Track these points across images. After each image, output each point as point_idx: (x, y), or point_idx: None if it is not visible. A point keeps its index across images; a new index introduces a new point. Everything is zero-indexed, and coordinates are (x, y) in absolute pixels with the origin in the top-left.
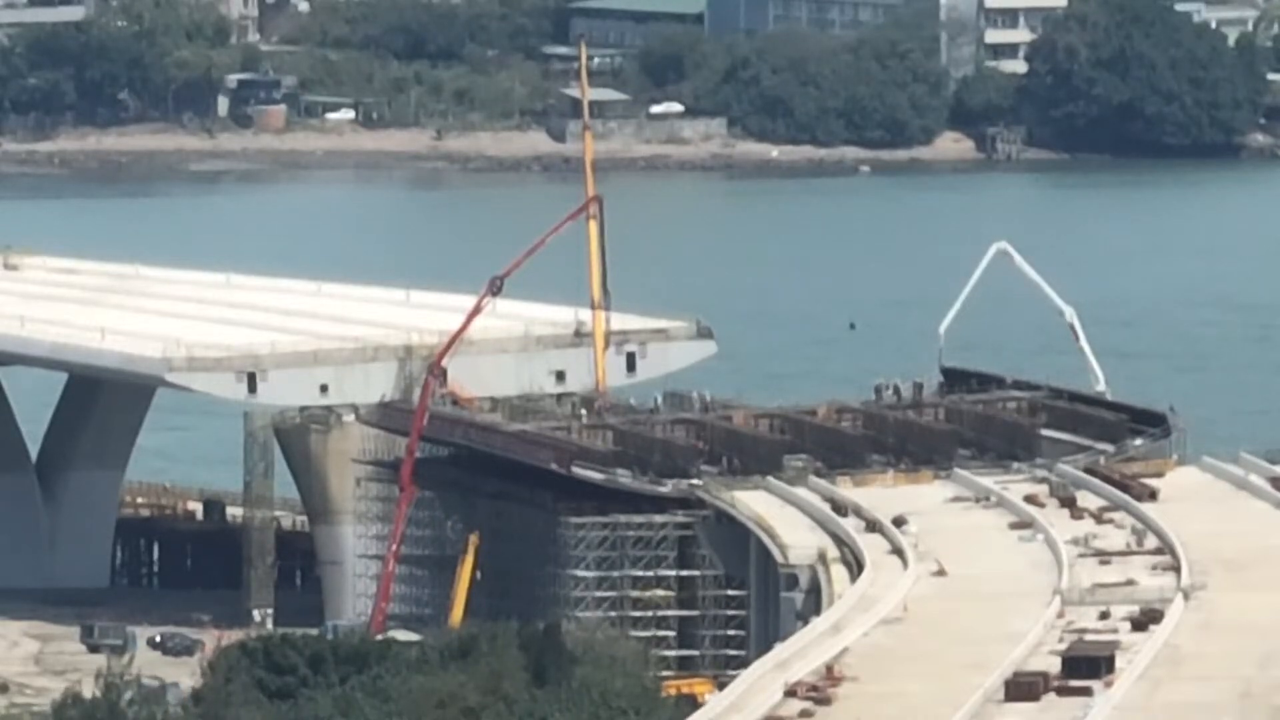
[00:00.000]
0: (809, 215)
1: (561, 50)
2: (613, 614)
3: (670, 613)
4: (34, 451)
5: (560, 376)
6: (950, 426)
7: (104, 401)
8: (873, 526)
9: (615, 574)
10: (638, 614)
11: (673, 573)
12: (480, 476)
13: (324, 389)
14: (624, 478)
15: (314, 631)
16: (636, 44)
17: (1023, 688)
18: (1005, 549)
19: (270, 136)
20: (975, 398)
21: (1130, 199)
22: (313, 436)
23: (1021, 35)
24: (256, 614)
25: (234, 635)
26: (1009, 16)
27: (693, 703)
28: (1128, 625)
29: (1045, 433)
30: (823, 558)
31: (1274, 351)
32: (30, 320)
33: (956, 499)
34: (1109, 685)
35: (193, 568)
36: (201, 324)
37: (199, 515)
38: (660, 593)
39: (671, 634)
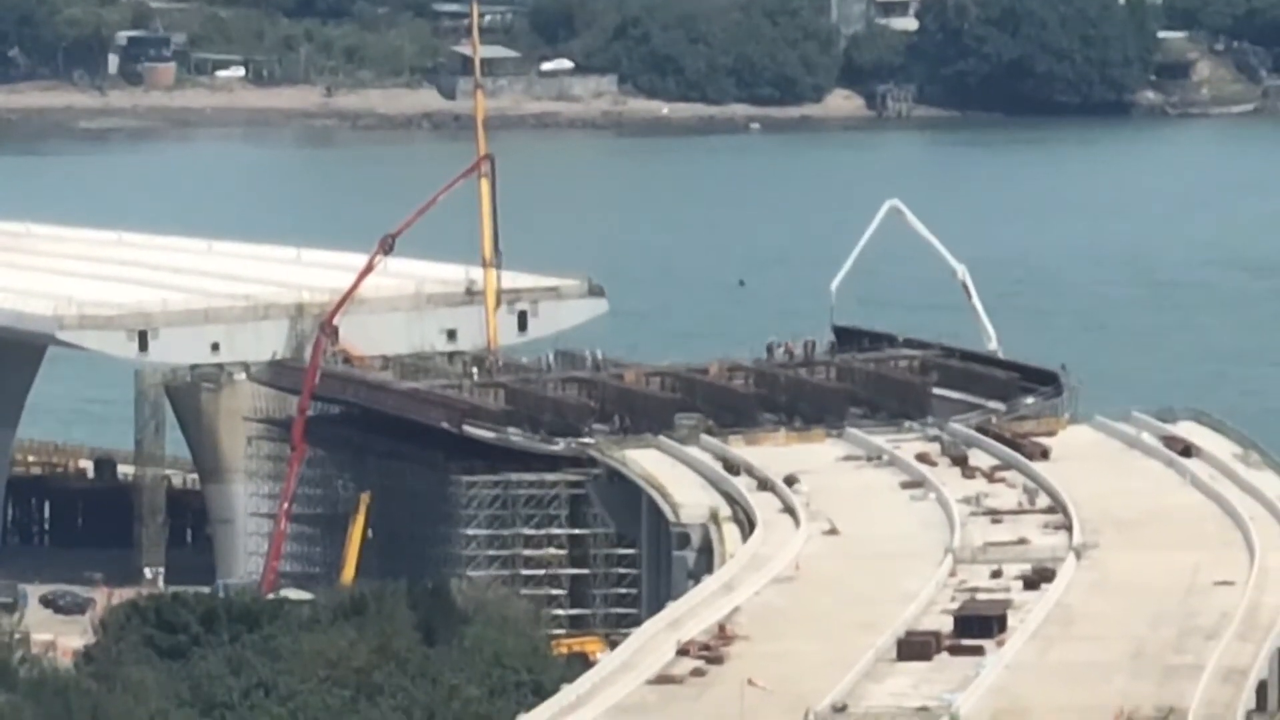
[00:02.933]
0: (700, 173)
1: (452, 7)
2: (504, 573)
3: (562, 571)
4: None
5: (452, 335)
6: (842, 385)
7: None
8: (764, 485)
9: (507, 533)
10: (529, 573)
11: (564, 531)
12: (372, 435)
13: (215, 347)
14: (515, 436)
15: (205, 590)
16: (527, 2)
17: (915, 647)
18: (897, 508)
19: (160, 94)
20: (867, 356)
21: (1021, 157)
22: (204, 395)
23: None
24: (148, 572)
25: (125, 594)
26: None
27: (584, 661)
28: (1020, 584)
29: (937, 391)
30: (714, 517)
31: (1165, 310)
32: None
33: (848, 458)
34: (1001, 644)
35: (84, 526)
36: (92, 282)
37: (90, 473)
38: (552, 551)
39: (563, 593)
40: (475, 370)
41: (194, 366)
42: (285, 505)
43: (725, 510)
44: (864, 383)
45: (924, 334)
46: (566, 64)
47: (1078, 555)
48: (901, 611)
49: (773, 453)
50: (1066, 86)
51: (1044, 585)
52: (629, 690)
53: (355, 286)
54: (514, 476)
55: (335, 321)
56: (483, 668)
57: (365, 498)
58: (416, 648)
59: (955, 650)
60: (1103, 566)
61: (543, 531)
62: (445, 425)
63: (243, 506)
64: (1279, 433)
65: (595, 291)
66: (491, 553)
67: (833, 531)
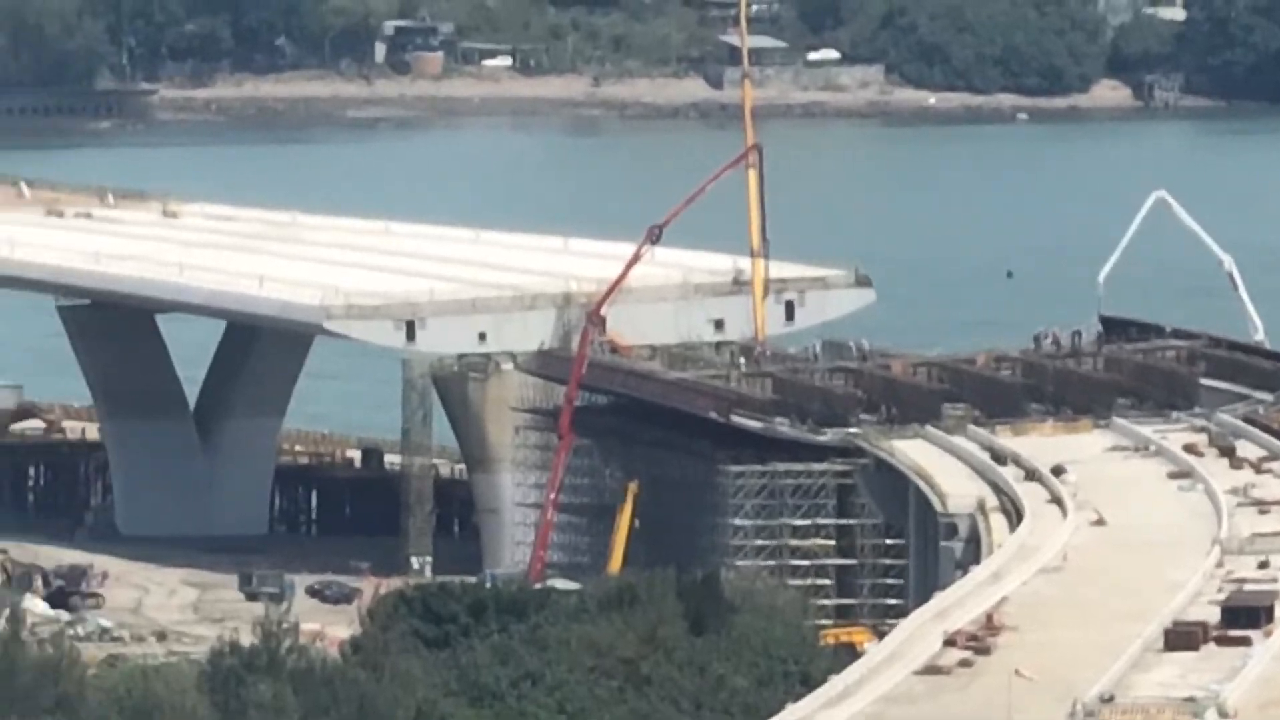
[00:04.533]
0: (966, 163)
1: None
2: (771, 563)
3: (829, 561)
4: (192, 399)
5: (719, 325)
6: (1109, 375)
7: (262, 349)
8: (1031, 475)
9: (774, 522)
10: (796, 563)
11: (831, 521)
12: (639, 425)
13: (482, 337)
14: (783, 426)
15: (472, 580)
16: None
17: (1182, 637)
18: (1164, 498)
19: (427, 83)
20: (1134, 346)
21: None
22: (471, 384)
23: None
24: (415, 562)
25: (392, 583)
26: None
27: (852, 652)
28: None
29: (1204, 382)
30: (982, 507)
31: None
32: (188, 268)
33: (1115, 448)
34: (1269, 635)
35: (351, 515)
36: (360, 271)
37: (357, 463)
38: (819, 541)
39: (830, 583)
40: (743, 360)
41: (461, 356)
42: (552, 495)
43: (992, 500)
44: (1131, 373)
45: (1191, 324)
46: (833, 54)
47: None
48: (1168, 602)
49: (1040, 443)
50: None
51: None
52: (896, 681)
53: (623, 276)
54: (781, 466)
55: (603, 311)
56: (750, 658)
57: (632, 487)
58: (684, 638)
59: (1222, 641)
60: None
61: (810, 521)
62: (713, 415)
63: (510, 496)
64: None
65: (862, 281)
66: (759, 543)
67: (1100, 522)
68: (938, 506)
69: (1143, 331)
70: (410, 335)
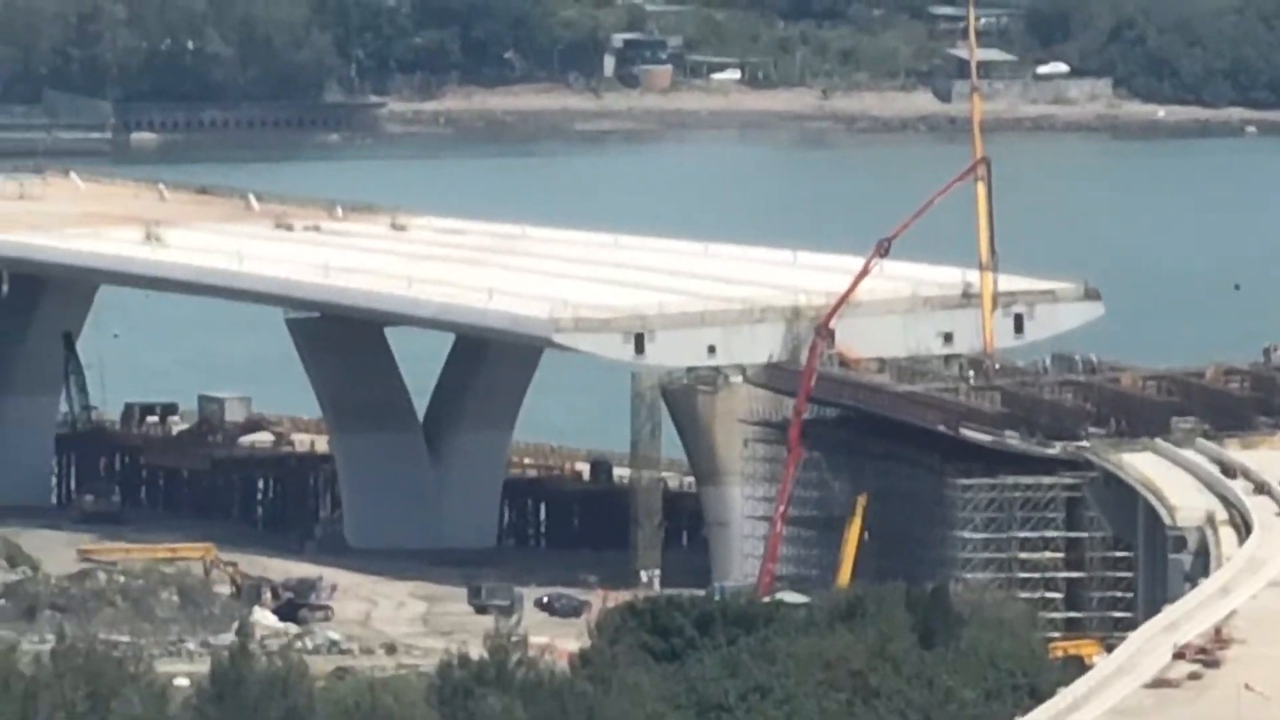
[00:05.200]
0: (1195, 176)
1: (948, 10)
2: (1000, 575)
3: (1058, 574)
4: (421, 412)
5: (948, 338)
6: None
7: (491, 362)
8: (1261, 489)
9: (1002, 535)
10: (1025, 575)
11: (1060, 534)
12: (868, 438)
13: (711, 350)
14: (1012, 439)
15: (701, 593)
16: (1022, 4)
17: None
18: None
19: (656, 96)
20: None
21: None
22: (700, 397)
23: None
24: (644, 575)
25: (621, 596)
26: None
27: (1080, 665)
28: None
29: None
30: (1211, 520)
31: None
32: (417, 281)
33: None
34: None
35: (580, 528)
36: (588, 284)
37: (586, 476)
38: (1048, 554)
39: (1059, 595)
40: (971, 373)
41: (690, 369)
42: (781, 508)
43: (1221, 514)
44: None
45: None
46: (1062, 67)
47: None
48: None
49: (1269, 456)
50: None
51: None
52: (1125, 694)
53: (851, 289)
54: (1010, 479)
55: (831, 324)
56: (979, 670)
57: (861, 500)
58: (913, 650)
59: None
60: None
61: (1038, 534)
62: (941, 428)
63: (739, 509)
64: None
65: (1091, 294)
66: (987, 555)
67: None
68: (1166, 520)
69: None
70: (639, 348)
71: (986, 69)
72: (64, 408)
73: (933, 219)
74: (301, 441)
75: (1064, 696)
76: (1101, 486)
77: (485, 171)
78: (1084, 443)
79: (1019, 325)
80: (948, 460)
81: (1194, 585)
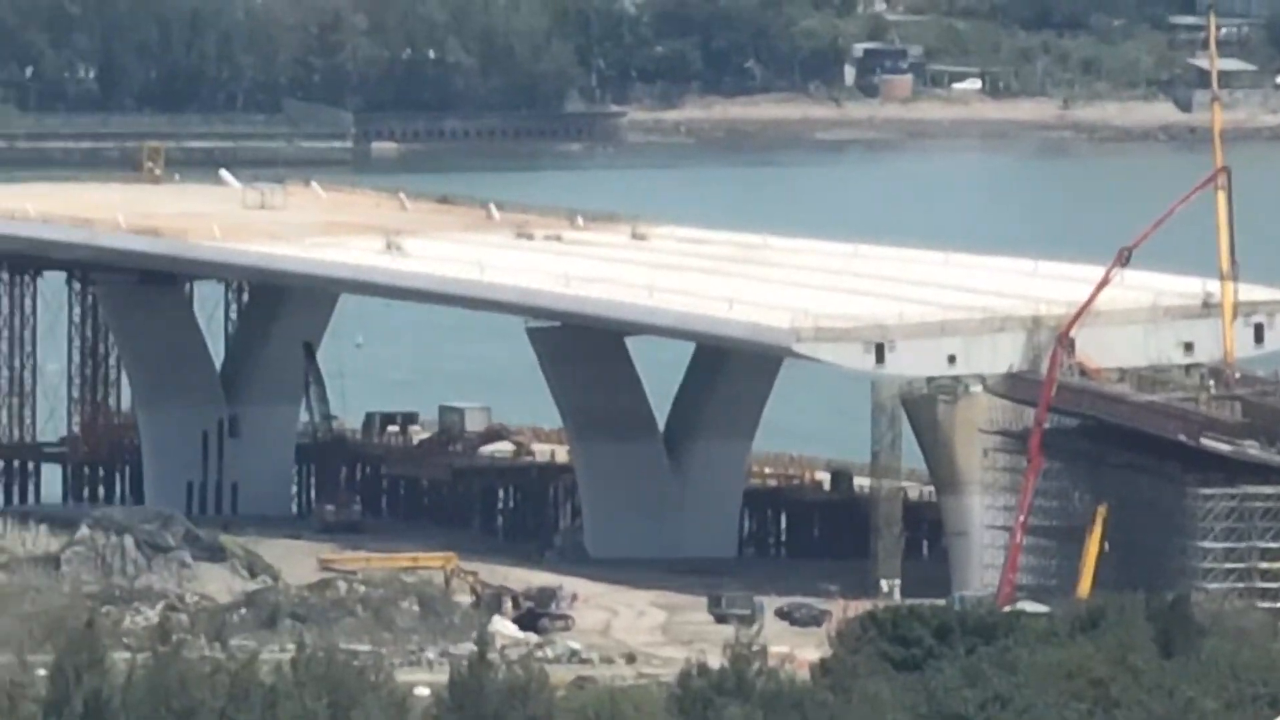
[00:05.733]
0: None
1: (1188, 20)
2: (1240, 585)
3: None
4: (662, 421)
5: (1188, 347)
6: None
7: (731, 371)
8: None
9: (1243, 545)
10: (1266, 585)
11: None
12: (1108, 447)
13: (952, 359)
14: (1252, 449)
15: (941, 602)
16: (1263, 13)
17: None
18: None
19: (897, 106)
20: None
21: None
22: (940, 407)
23: None
24: (884, 584)
25: (861, 606)
26: None
27: None
28: None
29: None
30: None
31: None
32: (658, 290)
33: None
34: None
35: (820, 538)
36: (829, 294)
37: (826, 486)
38: None
39: None
40: (1212, 383)
41: (930, 379)
42: (1021, 517)
43: None
44: None
45: None
46: None
47: None
48: None
49: None
50: None
51: None
52: None
53: (1092, 299)
54: (1250, 489)
55: (1072, 334)
56: (1219, 680)
57: (1101, 510)
58: (1153, 660)
59: None
60: None
61: (1279, 544)
62: (1182, 438)
63: (978, 519)
64: None
65: None
66: (1228, 565)
67: None
68: None
69: None
70: (879, 358)
71: (1226, 78)
72: (304, 417)
73: (1173, 228)
74: (542, 451)
75: None
76: None
77: (726, 181)
78: None
79: (1259, 335)
80: (1188, 470)
81: None
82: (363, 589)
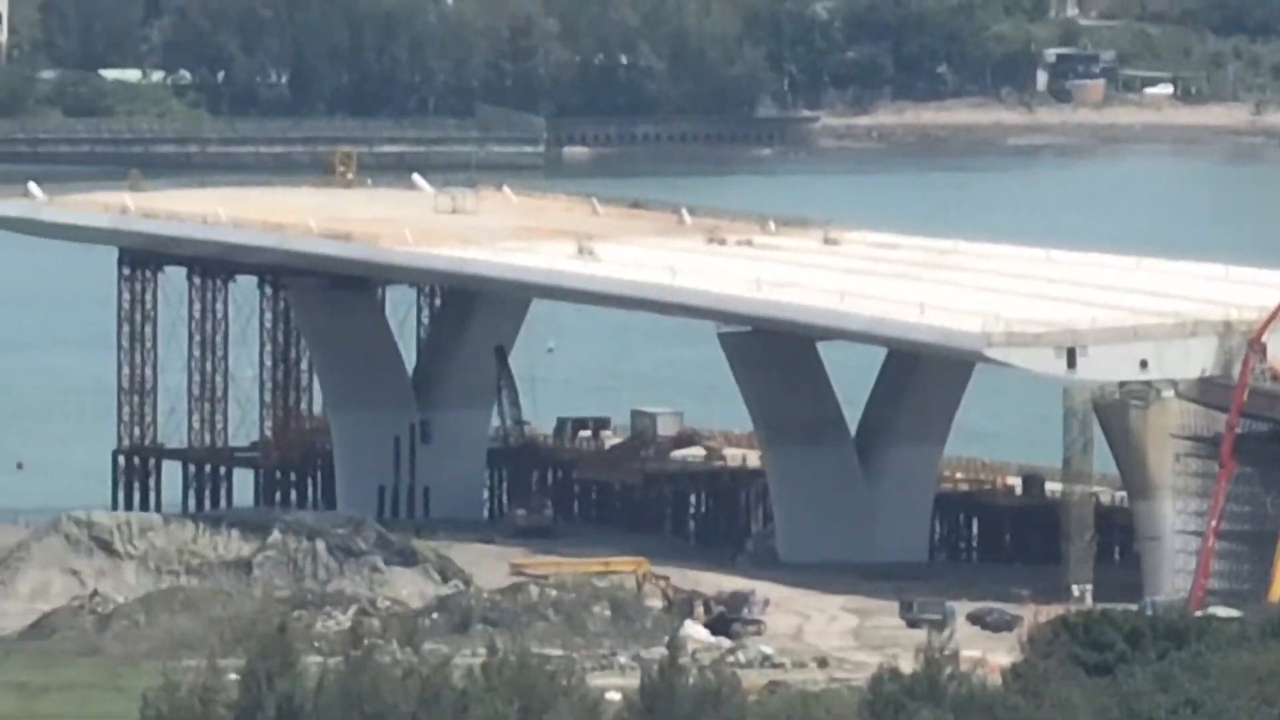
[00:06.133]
0: None
1: None
2: None
3: None
4: (853, 426)
5: None
6: None
7: (923, 376)
8: None
9: None
10: None
11: None
12: None
13: (1143, 364)
14: None
15: (1133, 607)
16: None
17: None
18: None
19: (1089, 111)
20: None
21: None
22: (1132, 412)
23: None
24: (1075, 589)
25: (1052, 610)
26: None
27: None
28: None
29: None
30: None
31: None
32: (849, 295)
33: None
34: None
35: (1011, 543)
36: (1020, 299)
37: (1018, 490)
38: None
39: None
40: None
41: (1122, 384)
42: (1213, 523)
43: None
44: None
45: None
46: None
47: None
48: None
49: None
50: None
51: None
52: None
53: None
54: None
55: (1264, 339)
56: None
57: None
58: None
59: None
60: None
61: None
62: None
63: (1170, 524)
64: None
65: None
66: None
67: None
68: None
69: None
70: (1071, 363)
71: None
72: (496, 422)
73: None
74: (733, 456)
75: None
76: None
77: (917, 186)
78: None
79: None
80: None
81: None
82: (554, 593)
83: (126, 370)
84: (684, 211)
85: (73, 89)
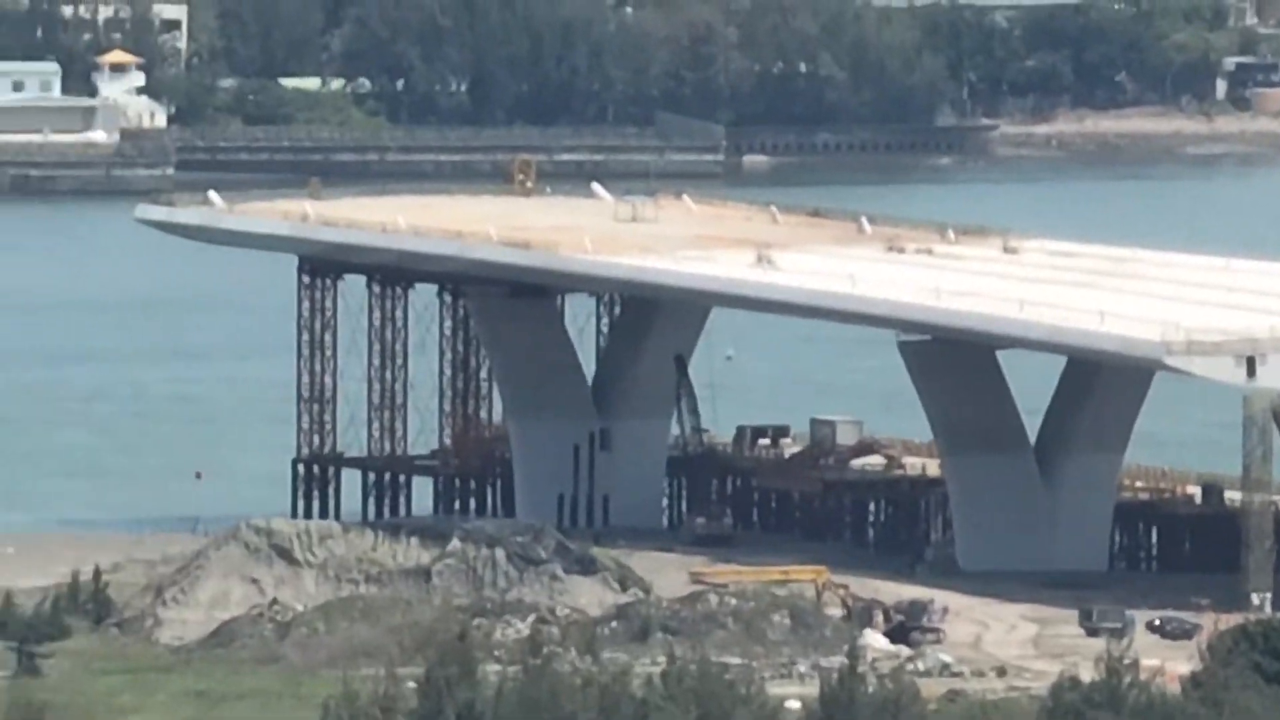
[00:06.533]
0: None
1: None
2: None
3: None
4: (1032, 434)
5: None
6: None
7: (1102, 384)
8: None
9: None
10: None
11: None
12: None
13: None
14: None
15: None
16: None
17: None
18: None
19: (1268, 119)
20: None
21: None
22: None
23: None
24: (1255, 598)
25: (1232, 619)
26: None
27: None
28: None
29: None
30: None
31: None
32: (1029, 303)
33: None
34: None
35: (1191, 552)
36: (1200, 308)
37: (1198, 499)
38: None
39: None
40: None
41: None
42: None
43: None
44: None
45: None
46: None
47: None
48: None
49: None
50: None
51: None
52: None
53: None
54: None
55: None
56: None
57: None
58: None
59: None
60: None
61: None
62: None
63: None
64: None
65: None
66: None
67: None
68: None
69: None
70: (1251, 371)
71: None
72: (675, 430)
73: None
74: (913, 464)
75: None
76: None
77: (1096, 194)
78: None
79: None
80: None
81: None
82: (734, 602)
83: (306, 378)
84: (863, 220)
85: (252, 97)
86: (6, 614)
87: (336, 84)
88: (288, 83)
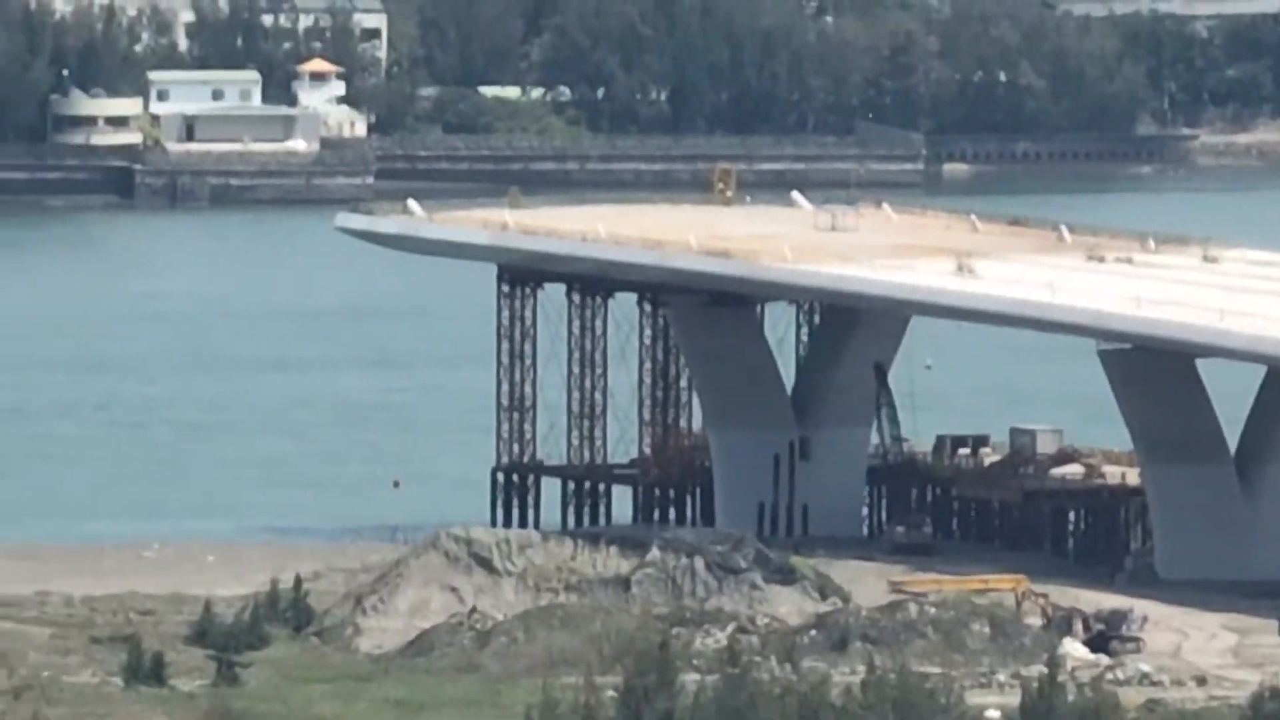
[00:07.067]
0: None
1: None
2: None
3: None
4: (1233, 444)
5: None
6: None
7: None
8: None
9: None
10: None
11: None
12: None
13: None
14: None
15: None
16: None
17: None
18: None
19: None
20: None
21: None
22: None
23: None
24: None
25: None
26: None
27: None
28: None
29: None
30: None
31: None
32: (1228, 313)
33: None
34: None
35: None
36: None
37: None
38: None
39: None
40: None
41: None
42: None
43: None
44: None
45: None
46: None
47: None
48: None
49: None
50: None
51: None
52: None
53: None
54: None
55: None
56: None
57: None
58: None
59: None
60: None
61: None
62: None
63: None
64: None
65: None
66: None
67: None
68: None
69: None
70: None
71: None
72: (875, 439)
73: None
74: (1113, 473)
75: None
76: None
77: None
78: None
79: None
80: None
81: None
82: (933, 611)
83: (506, 387)
84: (1063, 229)
85: (452, 106)
86: (206, 622)
87: (536, 93)
88: (487, 91)
